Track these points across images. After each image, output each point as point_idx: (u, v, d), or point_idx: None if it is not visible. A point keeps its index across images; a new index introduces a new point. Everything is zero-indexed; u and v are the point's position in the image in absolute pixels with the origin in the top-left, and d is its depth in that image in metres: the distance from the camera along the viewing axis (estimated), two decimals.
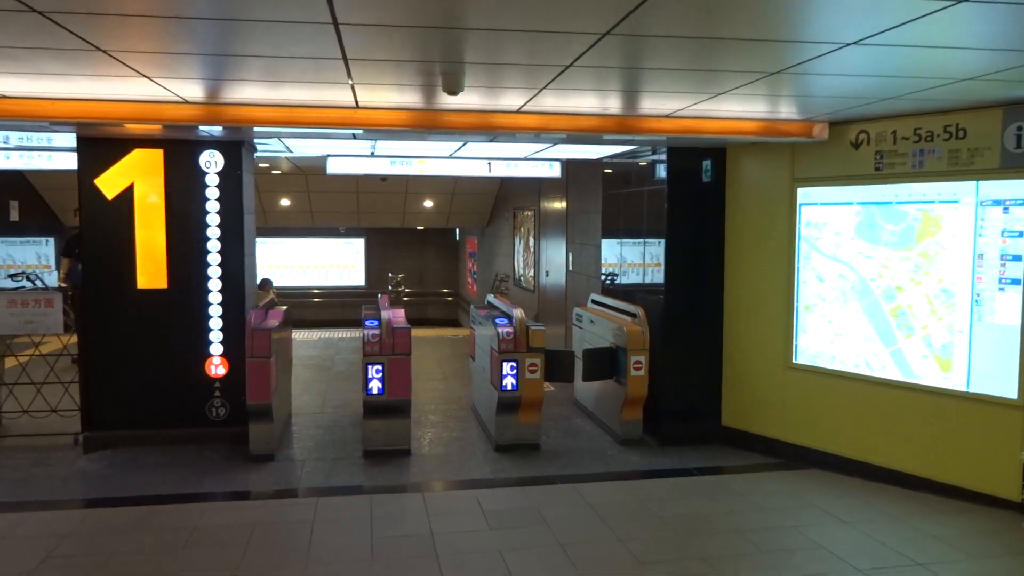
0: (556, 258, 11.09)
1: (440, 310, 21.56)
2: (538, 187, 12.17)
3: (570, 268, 10.41)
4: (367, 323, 6.79)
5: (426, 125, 5.96)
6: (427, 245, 22.07)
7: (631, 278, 7.91)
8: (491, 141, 6.83)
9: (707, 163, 7.06)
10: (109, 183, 6.72)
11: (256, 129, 6.19)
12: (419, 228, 20.45)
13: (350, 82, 4.86)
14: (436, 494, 5.84)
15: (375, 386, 6.61)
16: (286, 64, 4.43)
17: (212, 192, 6.84)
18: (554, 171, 8.63)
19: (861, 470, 6.17)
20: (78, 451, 6.76)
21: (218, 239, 6.88)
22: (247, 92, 5.39)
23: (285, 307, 7.79)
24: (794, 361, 6.64)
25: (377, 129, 5.90)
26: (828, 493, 5.83)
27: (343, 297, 20.54)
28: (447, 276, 22.09)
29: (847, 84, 4.81)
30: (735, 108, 5.72)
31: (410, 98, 5.46)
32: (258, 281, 15.68)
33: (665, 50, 4.04)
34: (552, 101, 5.64)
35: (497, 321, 7.00)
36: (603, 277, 8.67)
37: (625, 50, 4.07)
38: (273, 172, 13.88)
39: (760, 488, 5.98)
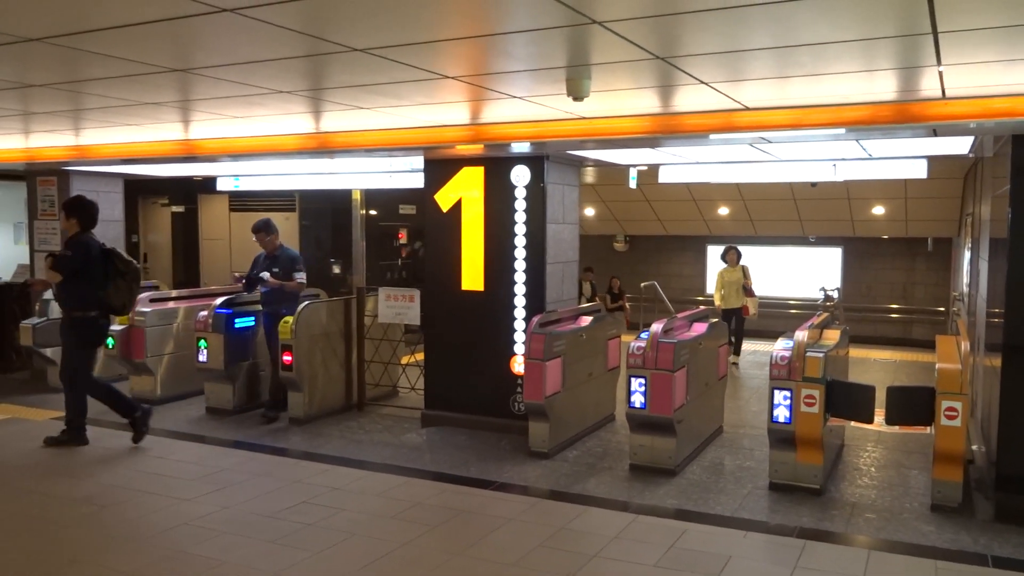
0: (975, 274, 9.06)
1: (930, 330, 18.88)
2: (974, 187, 10.03)
3: (979, 288, 8.43)
4: (640, 335, 6.65)
5: (663, 130, 5.66)
6: (916, 256, 19.54)
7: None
8: (735, 144, 6.13)
9: None
10: (444, 198, 7.80)
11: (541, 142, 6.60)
12: (889, 237, 18.36)
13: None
14: (646, 519, 5.51)
15: (637, 400, 6.45)
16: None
17: (520, 204, 7.45)
18: (918, 170, 7.20)
19: None
20: (418, 425, 8.01)
21: (523, 247, 7.47)
22: (501, 112, 5.85)
23: (599, 312, 8.00)
24: None
25: (611, 138, 5.82)
26: None
27: (810, 309, 19.38)
28: (940, 291, 19.23)
29: None
30: None
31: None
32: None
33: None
34: (801, 91, 4.90)
35: (782, 342, 6.22)
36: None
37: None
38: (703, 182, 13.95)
39: None
